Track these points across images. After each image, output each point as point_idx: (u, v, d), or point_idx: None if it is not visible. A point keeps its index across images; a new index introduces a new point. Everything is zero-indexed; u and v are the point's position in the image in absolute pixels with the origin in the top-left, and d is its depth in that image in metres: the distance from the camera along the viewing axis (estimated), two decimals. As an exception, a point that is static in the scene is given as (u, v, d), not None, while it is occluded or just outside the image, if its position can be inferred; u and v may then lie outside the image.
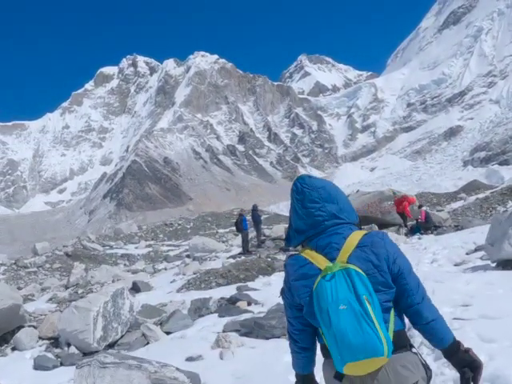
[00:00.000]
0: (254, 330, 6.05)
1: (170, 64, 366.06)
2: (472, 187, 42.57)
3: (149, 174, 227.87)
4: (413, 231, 16.09)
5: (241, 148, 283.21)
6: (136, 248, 36.23)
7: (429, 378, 1.84)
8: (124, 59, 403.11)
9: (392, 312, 1.81)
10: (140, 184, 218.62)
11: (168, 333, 6.99)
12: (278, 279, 10.01)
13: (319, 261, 1.84)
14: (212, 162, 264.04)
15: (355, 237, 1.86)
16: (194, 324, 7.13)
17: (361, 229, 1.98)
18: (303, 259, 1.89)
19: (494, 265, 7.12)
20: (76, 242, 35.69)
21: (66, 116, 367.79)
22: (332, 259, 1.82)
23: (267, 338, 5.90)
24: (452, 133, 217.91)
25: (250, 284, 9.77)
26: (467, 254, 8.99)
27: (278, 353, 5.35)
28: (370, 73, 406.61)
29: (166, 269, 21.72)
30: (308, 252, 1.90)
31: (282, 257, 12.72)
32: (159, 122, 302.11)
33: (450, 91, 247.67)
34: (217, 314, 7.35)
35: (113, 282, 19.92)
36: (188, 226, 49.72)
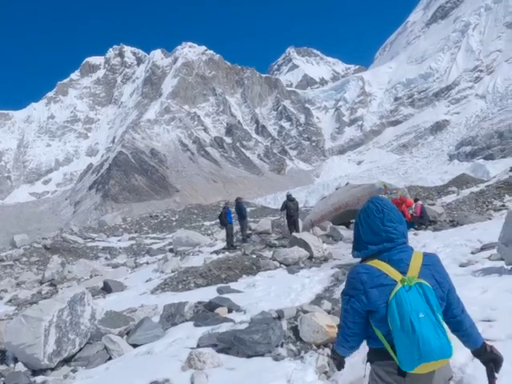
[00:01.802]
0: (233, 345, 5.09)
1: (157, 54, 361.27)
2: (461, 181, 42.15)
3: (135, 166, 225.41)
4: (406, 226, 15.21)
5: (228, 140, 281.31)
6: (119, 241, 35.09)
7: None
8: (110, 49, 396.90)
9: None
10: (126, 175, 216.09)
11: (135, 345, 5.98)
12: (263, 280, 9.02)
13: (393, 273, 2.16)
14: (199, 154, 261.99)
15: (419, 256, 2.25)
16: (166, 335, 6.13)
17: None
18: (377, 269, 2.20)
19: (509, 268, 6.23)
20: (57, 234, 34.49)
21: (51, 106, 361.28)
22: (403, 273, 2.16)
23: (249, 356, 4.94)
24: (438, 127, 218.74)
25: (232, 285, 8.75)
26: (473, 253, 8.09)
27: (262, 377, 4.40)
28: (357, 66, 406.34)
29: (147, 263, 20.73)
30: (379, 263, 2.22)
31: (269, 253, 11.73)
32: (146, 113, 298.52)
33: (437, 85, 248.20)
34: (192, 323, 6.34)
35: (91, 277, 18.81)
36: (173, 219, 48.56)
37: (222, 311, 6.64)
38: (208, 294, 8.15)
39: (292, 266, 10.10)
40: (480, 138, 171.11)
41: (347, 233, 16.24)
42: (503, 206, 15.46)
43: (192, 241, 22.76)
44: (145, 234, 39.71)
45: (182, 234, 24.14)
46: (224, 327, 5.87)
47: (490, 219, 14.07)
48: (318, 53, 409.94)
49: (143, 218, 50.98)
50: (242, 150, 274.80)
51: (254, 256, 11.33)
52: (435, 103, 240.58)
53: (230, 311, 6.71)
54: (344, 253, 11.39)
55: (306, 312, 5.63)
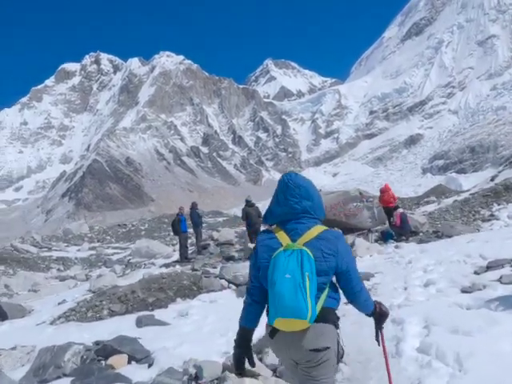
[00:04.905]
0: None
1: (134, 63, 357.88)
2: (438, 192, 40.85)
3: (110, 174, 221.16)
4: (385, 237, 13.27)
5: (205, 150, 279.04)
6: (78, 250, 32.56)
7: (340, 354, 2.39)
8: (87, 56, 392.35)
9: (325, 292, 2.35)
10: (100, 184, 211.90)
11: (-31, 420, 3.77)
12: (201, 306, 6.76)
13: (284, 239, 2.37)
14: (175, 164, 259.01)
15: (317, 229, 2.40)
16: (20, 403, 3.91)
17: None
18: (272, 234, 2.44)
19: (542, 299, 4.23)
20: (21, 241, 32.43)
21: (24, 112, 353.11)
22: (293, 240, 2.36)
23: None
24: (412, 141, 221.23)
25: (158, 313, 6.51)
26: (477, 273, 6.04)
27: None
28: (334, 79, 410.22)
29: (101, 275, 18.78)
30: (277, 230, 2.45)
31: (216, 271, 9.53)
32: (122, 121, 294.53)
33: (411, 100, 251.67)
34: (70, 380, 4.14)
35: (29, 291, 16.87)
36: (142, 228, 46.01)
37: (118, 361, 4.39)
38: (122, 326, 5.93)
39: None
40: (452, 153, 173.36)
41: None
42: (492, 215, 13.69)
43: (152, 251, 21.50)
44: (107, 244, 37.11)
45: (143, 244, 22.92)
46: (108, 393, 3.68)
47: (478, 230, 12.22)
48: (296, 65, 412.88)
49: (110, 227, 48.24)
50: (219, 160, 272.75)
51: (200, 272, 9.09)
52: (409, 117, 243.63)
53: (130, 361, 4.49)
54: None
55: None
